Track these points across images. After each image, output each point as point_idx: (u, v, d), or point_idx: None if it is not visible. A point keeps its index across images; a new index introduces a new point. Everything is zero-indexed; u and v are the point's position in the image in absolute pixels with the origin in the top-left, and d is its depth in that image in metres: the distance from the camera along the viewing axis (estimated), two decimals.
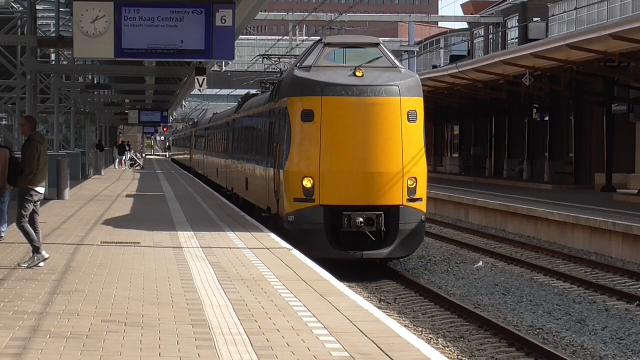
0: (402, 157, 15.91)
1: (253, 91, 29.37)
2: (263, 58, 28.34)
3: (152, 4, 16.38)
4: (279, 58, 28.05)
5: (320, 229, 15.75)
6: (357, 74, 16.09)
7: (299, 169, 16.12)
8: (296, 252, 13.37)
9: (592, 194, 30.77)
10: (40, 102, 32.49)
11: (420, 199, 16.13)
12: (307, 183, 15.90)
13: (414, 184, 16.00)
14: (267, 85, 25.37)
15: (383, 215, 15.68)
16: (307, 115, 16.08)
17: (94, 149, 44.36)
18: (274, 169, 17.46)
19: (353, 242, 15.80)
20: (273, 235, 15.43)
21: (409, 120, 16.04)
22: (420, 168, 16.14)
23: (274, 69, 29.13)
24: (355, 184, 15.83)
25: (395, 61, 17.10)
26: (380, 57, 16.93)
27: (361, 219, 15.55)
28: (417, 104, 16.26)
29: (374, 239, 15.70)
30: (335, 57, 17.10)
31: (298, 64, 17.43)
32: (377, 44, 17.22)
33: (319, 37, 20.01)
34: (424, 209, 16.33)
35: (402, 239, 15.87)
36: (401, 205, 15.89)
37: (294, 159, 16.22)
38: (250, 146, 22.57)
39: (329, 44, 17.21)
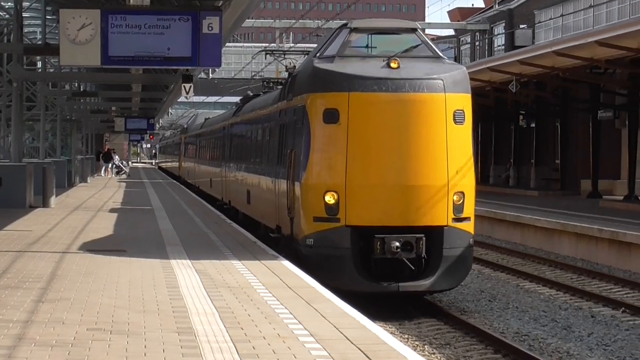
0: (447, 167, 13.23)
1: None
2: (266, 54, 24.87)
3: (139, 12, 16.43)
4: (284, 53, 23.86)
5: (346, 255, 13.06)
6: (392, 65, 13.36)
7: (320, 181, 13.44)
8: (281, 259, 13.29)
9: (578, 201, 30.99)
10: (27, 110, 32.39)
11: (468, 219, 13.45)
12: (330, 199, 13.23)
13: (461, 200, 13.31)
14: (271, 86, 23.01)
15: (424, 238, 13.03)
16: (331, 116, 13.38)
17: (81, 156, 44.25)
18: (287, 180, 14.69)
19: (387, 272, 13.11)
20: (264, 246, 15.02)
21: (455, 121, 13.35)
22: (468, 181, 13.47)
23: (261, 75, 28.40)
24: (390, 199, 13.11)
25: (437, 50, 14.40)
26: (419, 45, 14.16)
27: (397, 243, 12.86)
28: (464, 101, 13.54)
29: (413, 267, 13.06)
30: (365, 44, 14.33)
31: (318, 54, 14.50)
32: (414, 30, 14.39)
33: (303, 46, 19.43)
34: (472, 231, 13.59)
35: (446, 268, 13.16)
36: (446, 226, 13.21)
37: (314, 169, 13.52)
38: (253, 153, 19.85)
39: (356, 29, 14.35)
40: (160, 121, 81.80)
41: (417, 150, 13.18)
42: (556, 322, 13.32)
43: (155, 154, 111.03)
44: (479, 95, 38.34)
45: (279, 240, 15.63)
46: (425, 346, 11.54)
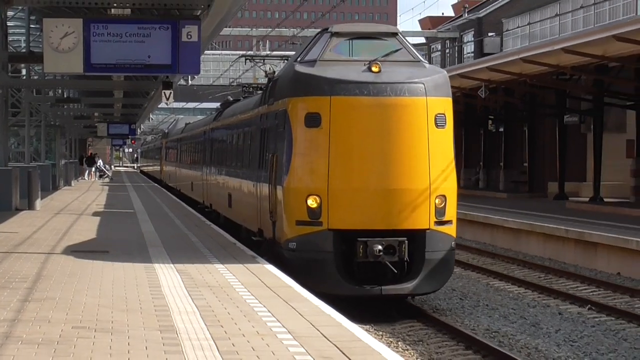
0: (429, 171, 13.17)
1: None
2: (245, 59, 24.43)
3: (120, 21, 16.84)
4: (263, 59, 23.73)
5: (329, 259, 12.95)
6: (373, 69, 13.29)
7: (302, 185, 13.30)
8: (260, 259, 13.49)
9: (545, 202, 31.41)
10: (12, 116, 32.67)
11: (450, 222, 13.39)
12: (312, 202, 13.09)
13: (443, 204, 13.25)
14: (251, 91, 23.17)
15: (406, 241, 12.97)
16: (313, 120, 13.23)
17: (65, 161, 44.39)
18: (269, 184, 14.54)
19: (370, 275, 13.01)
20: (243, 247, 15.15)
21: (436, 125, 13.32)
22: (450, 184, 13.43)
23: (239, 82, 28.33)
24: (373, 203, 13.00)
25: (418, 55, 14.34)
26: (400, 49, 13.98)
27: (380, 247, 12.77)
28: (446, 105, 13.56)
29: (395, 271, 12.96)
30: (346, 49, 14.15)
31: (299, 58, 14.42)
32: (395, 34, 14.29)
33: (281, 54, 19.71)
34: (454, 234, 13.57)
35: (429, 271, 13.11)
36: (428, 229, 13.15)
37: (296, 173, 13.38)
38: (234, 157, 19.73)
39: (337, 34, 14.17)
40: (142, 126, 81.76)
41: (399, 154, 13.08)
42: (525, 319, 13.60)
43: (137, 158, 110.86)
44: None
45: (261, 244, 15.58)
46: (399, 343, 11.76)
